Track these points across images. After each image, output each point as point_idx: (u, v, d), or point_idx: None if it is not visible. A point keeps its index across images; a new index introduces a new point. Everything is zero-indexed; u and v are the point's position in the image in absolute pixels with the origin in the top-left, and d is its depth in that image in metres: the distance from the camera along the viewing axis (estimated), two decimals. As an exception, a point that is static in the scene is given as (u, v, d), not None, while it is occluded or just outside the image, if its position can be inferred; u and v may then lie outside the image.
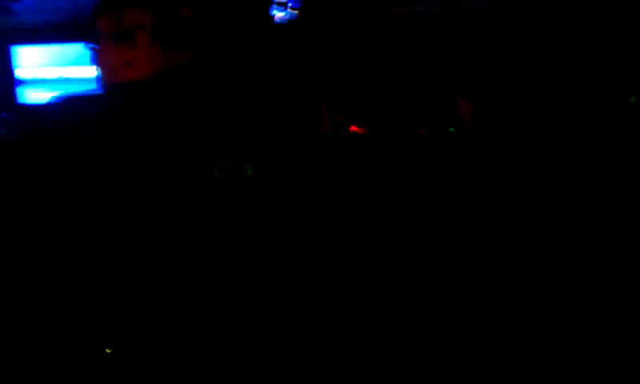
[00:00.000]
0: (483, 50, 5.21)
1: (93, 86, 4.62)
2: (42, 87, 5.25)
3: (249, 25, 4.42)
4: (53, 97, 0.98)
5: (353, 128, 4.89)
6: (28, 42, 5.23)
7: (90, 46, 1.06)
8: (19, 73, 5.28)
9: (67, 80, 5.25)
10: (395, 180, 4.65)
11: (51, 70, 5.29)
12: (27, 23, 5.11)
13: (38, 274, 0.91)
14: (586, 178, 2.94)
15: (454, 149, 4.02)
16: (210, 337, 0.93)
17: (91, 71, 4.81)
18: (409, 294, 2.89)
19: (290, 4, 4.55)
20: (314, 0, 4.67)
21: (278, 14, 4.51)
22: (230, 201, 0.94)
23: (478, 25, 5.24)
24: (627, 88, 4.89)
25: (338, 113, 5.00)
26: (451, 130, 5.37)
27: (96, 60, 1.05)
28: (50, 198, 0.91)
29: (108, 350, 0.89)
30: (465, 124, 3.73)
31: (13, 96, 5.11)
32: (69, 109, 0.96)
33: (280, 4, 4.52)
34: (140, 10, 1.00)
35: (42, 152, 0.90)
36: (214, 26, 1.09)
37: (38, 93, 5.22)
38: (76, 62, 5.17)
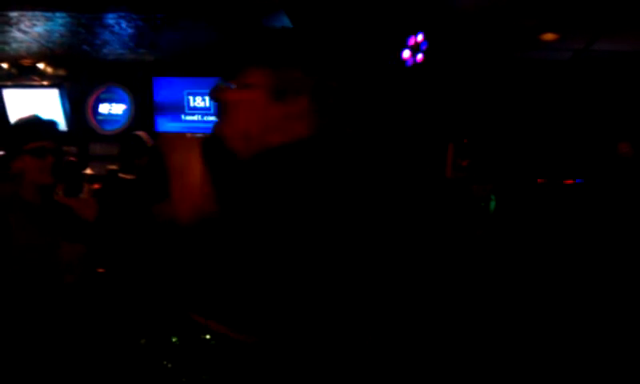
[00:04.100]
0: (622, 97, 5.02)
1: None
2: (180, 117, 5.57)
3: (381, 69, 4.50)
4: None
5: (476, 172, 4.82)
6: (167, 75, 5.54)
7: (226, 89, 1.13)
8: (158, 102, 5.60)
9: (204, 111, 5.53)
10: (522, 229, 4.53)
11: (188, 100, 5.59)
12: (167, 56, 5.41)
13: None
14: None
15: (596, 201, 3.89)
16: None
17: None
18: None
19: (421, 47, 4.60)
20: (443, 43, 4.69)
21: (409, 57, 4.57)
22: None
23: (612, 72, 5.07)
24: None
25: (464, 157, 4.95)
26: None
27: (239, 107, 1.10)
28: None
29: None
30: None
31: (152, 124, 5.41)
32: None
33: (412, 47, 4.57)
34: (300, 73, 1.09)
35: None
36: (354, 85, 1.20)
37: (175, 123, 5.53)
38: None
